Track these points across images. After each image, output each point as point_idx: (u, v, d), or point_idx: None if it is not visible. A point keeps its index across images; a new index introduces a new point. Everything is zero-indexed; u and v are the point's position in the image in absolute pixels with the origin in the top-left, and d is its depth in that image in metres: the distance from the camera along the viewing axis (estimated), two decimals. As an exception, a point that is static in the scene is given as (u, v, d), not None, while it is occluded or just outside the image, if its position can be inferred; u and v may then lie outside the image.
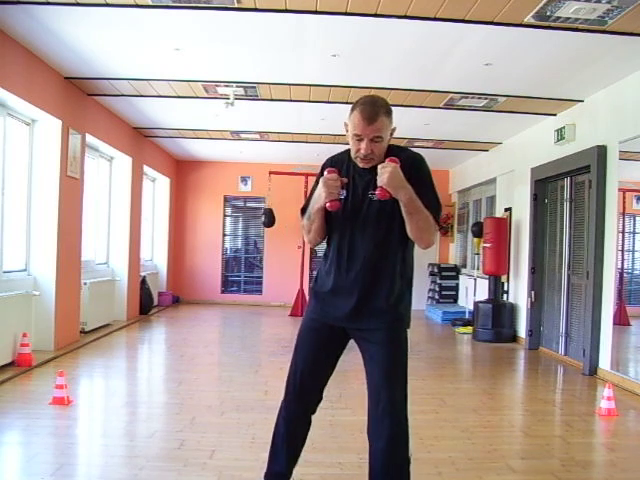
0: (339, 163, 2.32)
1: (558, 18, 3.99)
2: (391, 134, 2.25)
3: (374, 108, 2.16)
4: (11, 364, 5.05)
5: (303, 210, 2.38)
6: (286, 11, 4.08)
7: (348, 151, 2.30)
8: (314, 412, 2.43)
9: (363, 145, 2.17)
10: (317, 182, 2.29)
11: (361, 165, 2.24)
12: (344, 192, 2.23)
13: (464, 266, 10.51)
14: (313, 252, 10.44)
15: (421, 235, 2.19)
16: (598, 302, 5.48)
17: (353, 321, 2.28)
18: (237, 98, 6.21)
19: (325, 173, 2.22)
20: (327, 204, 2.19)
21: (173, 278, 11.06)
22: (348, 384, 4.72)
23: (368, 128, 2.14)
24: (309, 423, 2.43)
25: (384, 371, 2.22)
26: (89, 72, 5.70)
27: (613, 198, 5.42)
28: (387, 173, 2.08)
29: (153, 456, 3.15)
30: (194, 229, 11.30)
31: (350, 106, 2.26)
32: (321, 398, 2.43)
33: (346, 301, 2.26)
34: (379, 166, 2.13)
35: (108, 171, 8.13)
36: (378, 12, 4.03)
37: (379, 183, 2.11)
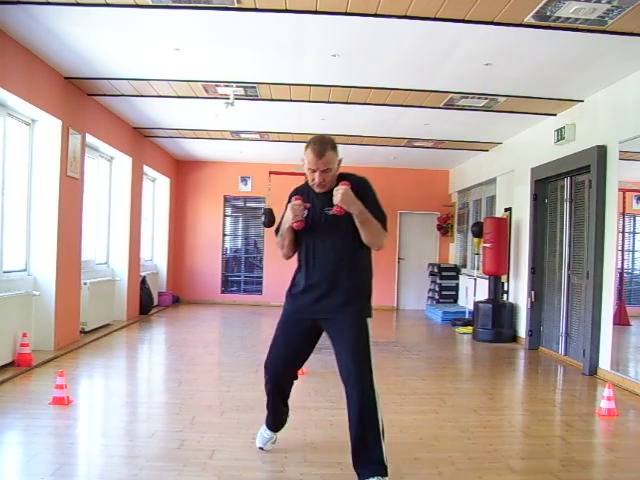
0: (302, 191, 2.94)
1: (558, 18, 3.99)
2: (339, 164, 2.84)
3: (322, 146, 2.76)
4: (11, 364, 5.05)
5: (277, 230, 2.99)
6: (286, 11, 4.08)
7: (307, 182, 2.93)
8: (291, 384, 3.08)
9: (316, 175, 2.78)
10: (287, 206, 2.91)
11: (317, 190, 2.85)
12: (306, 212, 2.83)
13: (464, 266, 10.51)
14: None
15: (372, 239, 2.79)
16: (598, 302, 5.48)
17: (323, 312, 2.84)
18: (237, 98, 6.21)
19: (292, 200, 2.84)
20: (294, 224, 2.81)
21: (173, 278, 11.06)
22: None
23: (319, 162, 2.75)
24: (289, 389, 3.10)
25: (352, 350, 2.74)
26: (89, 72, 5.71)
27: (613, 198, 5.42)
28: (339, 194, 2.69)
29: (153, 456, 3.15)
30: (194, 229, 11.30)
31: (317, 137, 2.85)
32: (295, 377, 3.08)
33: (316, 297, 2.84)
34: (334, 189, 2.73)
35: (108, 171, 8.13)
36: (378, 12, 4.03)
37: (335, 202, 2.71)
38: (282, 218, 2.95)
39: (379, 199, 2.86)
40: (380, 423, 2.70)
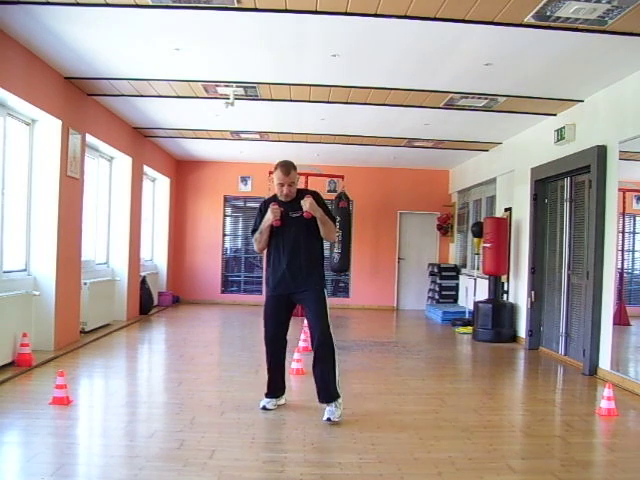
0: (272, 201, 4.06)
1: (558, 18, 3.99)
2: (297, 180, 4.08)
3: (287, 167, 3.97)
4: (11, 364, 5.05)
5: (253, 231, 4.10)
6: (286, 11, 4.08)
7: (274, 195, 4.10)
8: (285, 347, 4.16)
9: (284, 188, 3.98)
10: (260, 212, 4.10)
11: (284, 199, 4.01)
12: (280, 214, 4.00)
13: (464, 266, 10.51)
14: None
15: (329, 234, 4.05)
16: (598, 302, 5.48)
17: (292, 288, 3.99)
18: (237, 98, 6.21)
19: (271, 206, 3.97)
20: (274, 222, 3.94)
21: (173, 278, 11.05)
22: (348, 385, 4.71)
23: (286, 178, 3.96)
24: (284, 352, 4.17)
25: (315, 314, 3.95)
26: (89, 72, 5.70)
27: (613, 198, 5.42)
28: (308, 203, 3.91)
29: (153, 456, 3.15)
30: (194, 229, 11.30)
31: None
32: (286, 340, 4.14)
33: (286, 277, 3.99)
34: (302, 201, 3.92)
35: (108, 171, 8.13)
36: (378, 12, 4.04)
37: (304, 209, 3.91)
38: (256, 221, 4.08)
39: (328, 206, 4.15)
40: (335, 360, 3.88)
